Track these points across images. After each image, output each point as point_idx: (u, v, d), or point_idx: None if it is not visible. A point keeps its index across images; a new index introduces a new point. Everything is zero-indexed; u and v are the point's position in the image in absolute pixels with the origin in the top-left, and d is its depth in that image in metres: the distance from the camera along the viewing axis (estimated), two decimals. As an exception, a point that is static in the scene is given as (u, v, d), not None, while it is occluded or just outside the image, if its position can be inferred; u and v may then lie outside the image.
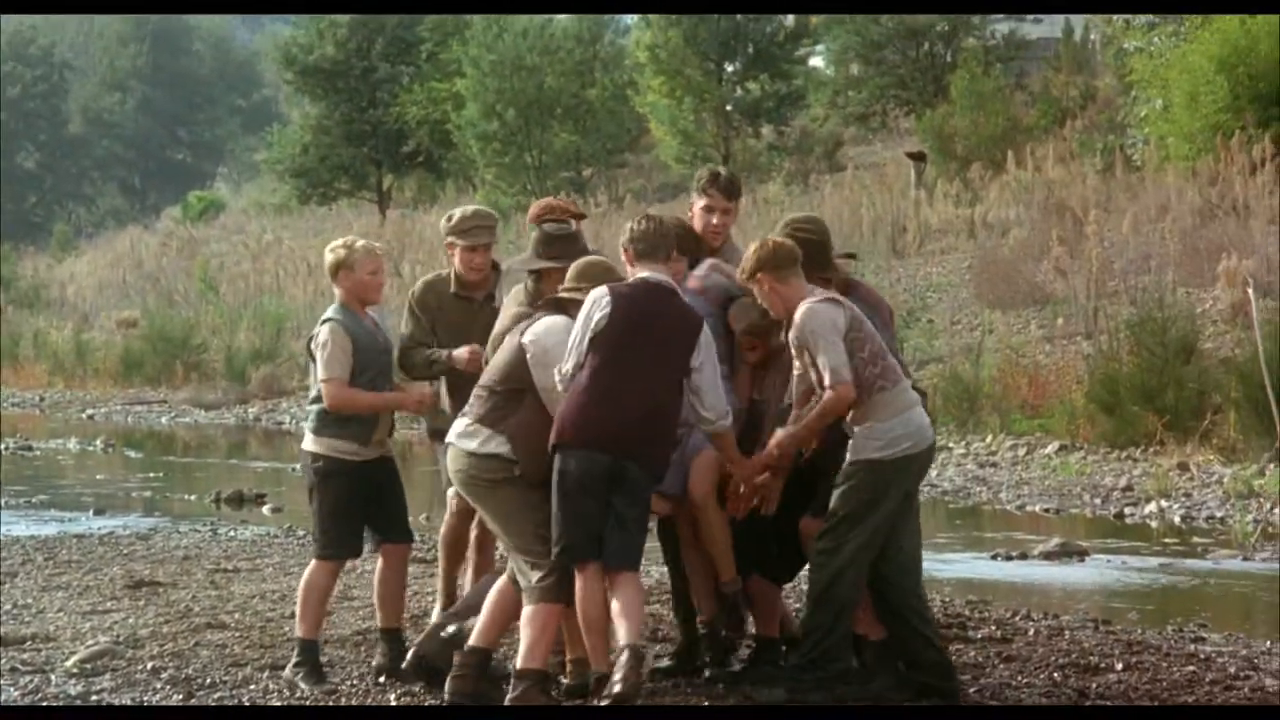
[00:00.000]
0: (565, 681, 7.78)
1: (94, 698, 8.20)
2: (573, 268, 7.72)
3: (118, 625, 10.03)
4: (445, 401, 8.71)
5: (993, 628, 9.97)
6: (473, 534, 8.66)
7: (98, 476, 21.44)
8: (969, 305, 26.83)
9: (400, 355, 8.74)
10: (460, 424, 7.71)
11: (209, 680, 8.44)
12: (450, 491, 8.55)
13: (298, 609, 8.45)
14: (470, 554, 8.73)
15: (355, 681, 8.32)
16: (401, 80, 51.79)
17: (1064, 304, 24.66)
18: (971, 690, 8.10)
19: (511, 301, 8.06)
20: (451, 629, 7.94)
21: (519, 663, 7.48)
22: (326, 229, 48.89)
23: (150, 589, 11.54)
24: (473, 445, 7.61)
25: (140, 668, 8.73)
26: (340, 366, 8.22)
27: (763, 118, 45.55)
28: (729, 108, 45.40)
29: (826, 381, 7.47)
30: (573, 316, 7.58)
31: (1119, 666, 8.72)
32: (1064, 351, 22.71)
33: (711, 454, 7.77)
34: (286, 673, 8.38)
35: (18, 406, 34.93)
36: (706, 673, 8.09)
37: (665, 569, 8.70)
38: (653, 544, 7.72)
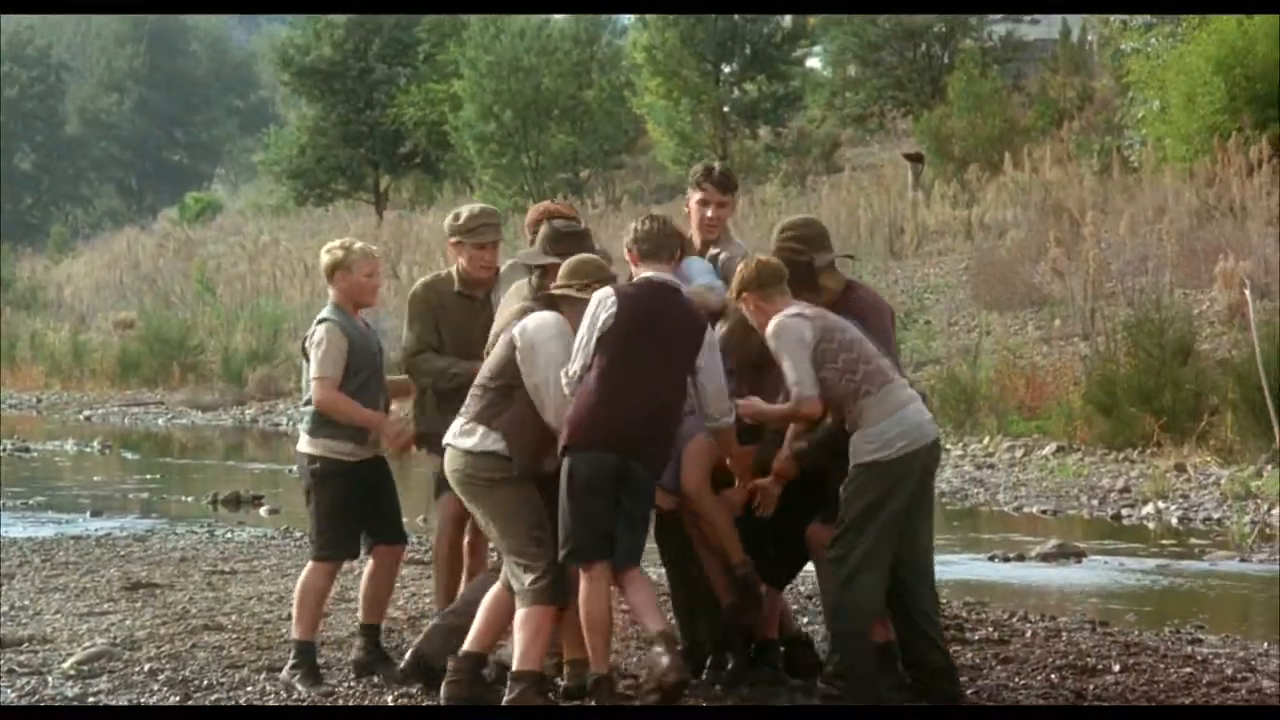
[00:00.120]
0: (562, 683, 7.77)
1: (91, 699, 8.20)
2: (565, 265, 7.74)
3: (115, 627, 10.03)
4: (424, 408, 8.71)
5: (990, 629, 9.97)
6: (465, 539, 8.65)
7: (95, 478, 21.43)
8: (966, 306, 26.83)
9: (412, 359, 8.60)
10: (457, 424, 7.72)
11: (206, 682, 8.44)
12: (441, 500, 8.52)
13: (294, 611, 8.45)
14: (464, 558, 8.72)
15: (352, 683, 8.32)
16: (398, 81, 51.80)
17: (1061, 305, 24.66)
18: (969, 692, 8.09)
19: (513, 297, 8.04)
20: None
21: (515, 665, 7.49)
22: (323, 230, 48.87)
23: (147, 590, 11.53)
24: (469, 444, 7.62)
25: (137, 669, 8.72)
26: (333, 366, 8.24)
27: (760, 119, 45.56)
28: (726, 109, 45.40)
29: (792, 392, 7.56)
30: (563, 313, 7.60)
31: (1116, 668, 8.72)
32: (1061, 353, 22.71)
33: (701, 442, 7.78)
34: (283, 674, 8.38)
35: (15, 408, 34.90)
36: (729, 666, 8.09)
37: (664, 570, 8.69)
38: (651, 545, 7.71)
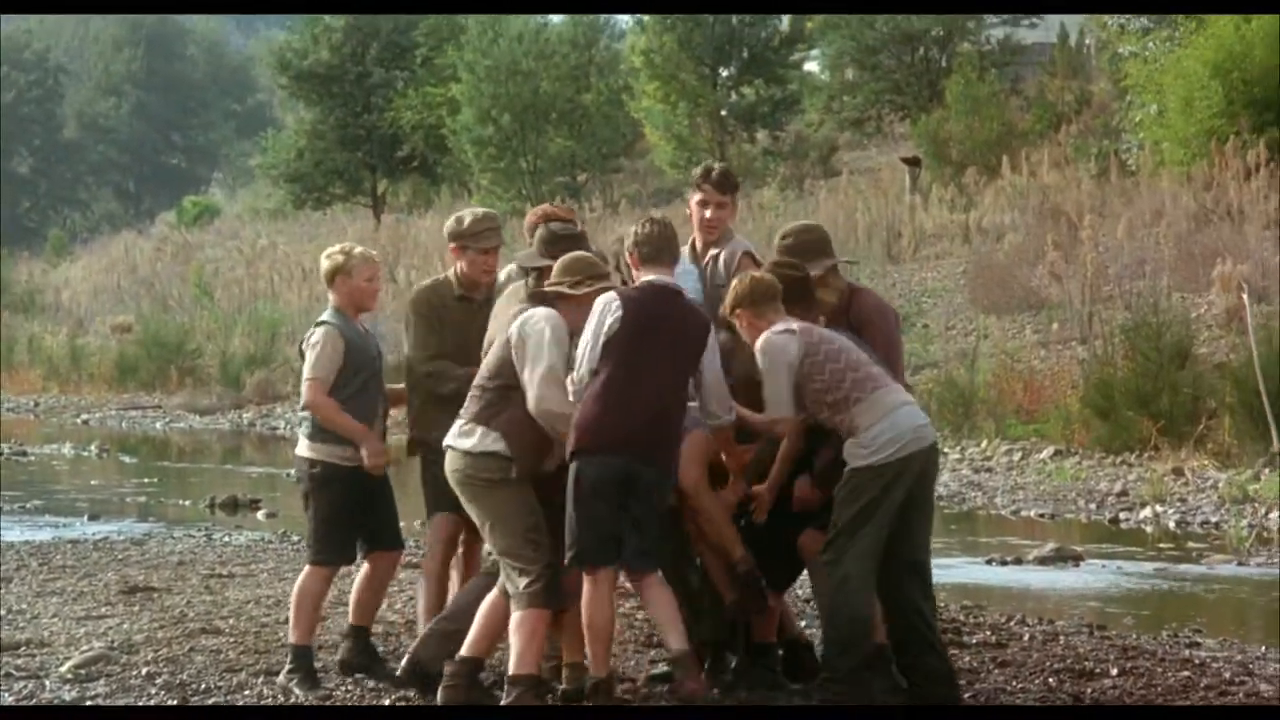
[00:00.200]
0: (560, 687, 7.77)
1: (89, 703, 8.20)
2: (558, 263, 7.74)
3: (112, 631, 10.02)
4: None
5: (987, 633, 9.97)
6: (458, 551, 8.63)
7: (92, 482, 21.42)
8: (964, 310, 26.84)
9: (428, 367, 8.47)
10: (456, 425, 7.73)
11: (204, 686, 8.44)
12: (434, 520, 8.49)
13: (291, 615, 8.46)
14: (458, 564, 8.70)
15: (350, 687, 8.32)
16: (396, 85, 51.77)
17: (1059, 309, 24.67)
18: (967, 695, 8.10)
19: (509, 300, 8.02)
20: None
21: (511, 669, 7.50)
22: (321, 234, 48.87)
23: (145, 594, 11.53)
24: (469, 444, 7.62)
25: (135, 673, 8.72)
26: (326, 369, 8.26)
27: (758, 123, 45.54)
28: (724, 113, 45.37)
29: (766, 409, 7.69)
30: (559, 311, 7.61)
31: (1114, 672, 8.72)
32: (1059, 356, 22.72)
33: (699, 437, 7.79)
34: (280, 678, 8.39)
35: (12, 412, 34.88)
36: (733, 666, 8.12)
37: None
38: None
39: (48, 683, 8.59)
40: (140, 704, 8.14)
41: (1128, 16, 34.09)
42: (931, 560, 7.95)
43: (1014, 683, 8.47)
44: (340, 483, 8.30)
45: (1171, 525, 15.59)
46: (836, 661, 7.64)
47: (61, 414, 34.32)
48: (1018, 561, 13.76)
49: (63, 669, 8.82)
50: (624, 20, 51.51)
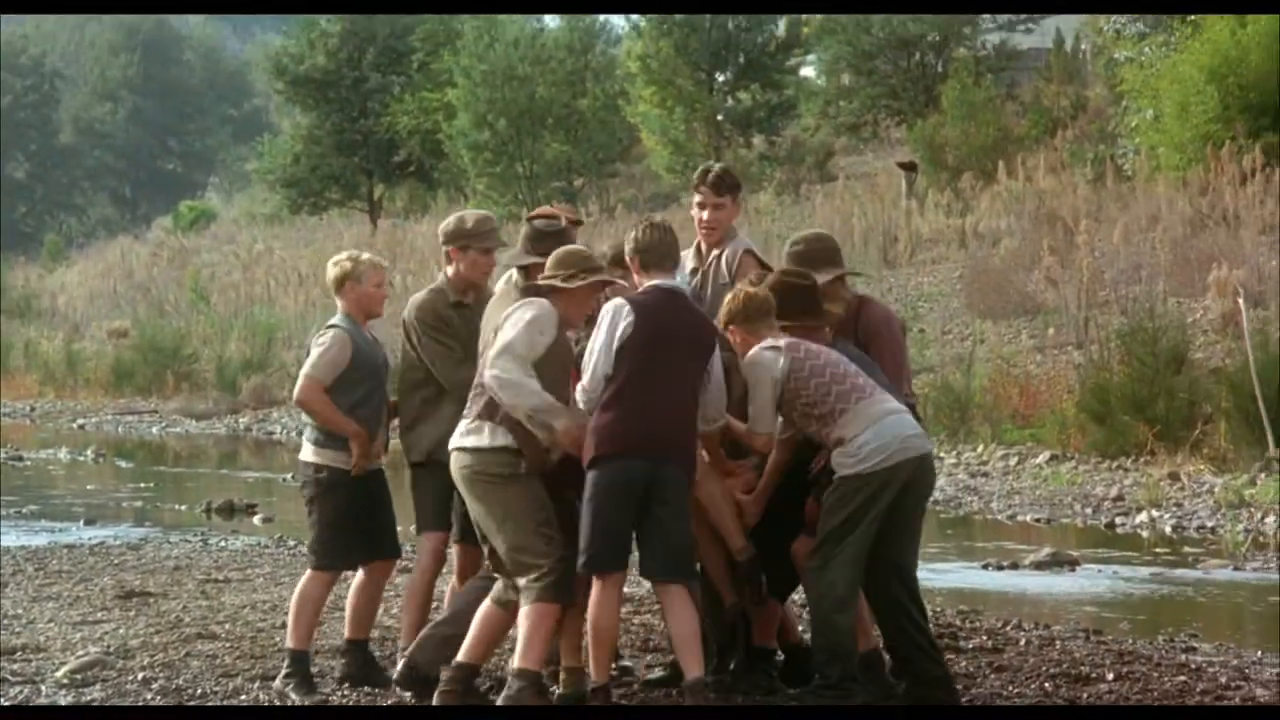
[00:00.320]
0: (558, 691, 7.77)
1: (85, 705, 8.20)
2: (551, 256, 7.74)
3: (108, 636, 10.02)
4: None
5: (984, 638, 9.97)
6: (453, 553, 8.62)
7: (88, 486, 21.41)
8: (960, 315, 26.85)
9: (453, 377, 8.29)
10: (462, 425, 7.71)
11: (199, 691, 8.43)
12: (425, 537, 8.43)
13: (290, 619, 8.45)
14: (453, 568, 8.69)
15: (346, 691, 8.32)
16: (393, 90, 51.77)
17: (1055, 314, 24.69)
18: (962, 700, 8.10)
19: (502, 299, 7.97)
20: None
21: (515, 662, 7.51)
22: (317, 239, 48.95)
23: (141, 599, 11.52)
24: (477, 441, 7.59)
25: (131, 678, 8.72)
26: (326, 370, 8.28)
27: (754, 128, 45.57)
28: (720, 117, 45.42)
29: (750, 422, 7.76)
30: (552, 303, 7.60)
31: (1110, 677, 8.72)
32: (1055, 361, 22.73)
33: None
34: (277, 683, 8.39)
35: (8, 416, 34.86)
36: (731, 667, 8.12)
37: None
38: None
39: (43, 687, 8.59)
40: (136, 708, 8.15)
41: (1124, 22, 34.15)
42: (924, 566, 8.00)
43: (1010, 687, 8.47)
44: (345, 488, 8.31)
45: (1167, 530, 15.60)
46: (826, 669, 7.66)
47: (58, 419, 34.31)
48: (1014, 566, 13.76)
49: (58, 674, 8.82)
50: (620, 25, 51.57)
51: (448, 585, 8.77)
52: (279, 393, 32.80)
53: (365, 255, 8.63)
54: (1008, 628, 10.45)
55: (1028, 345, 24.01)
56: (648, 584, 9.93)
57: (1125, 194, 30.47)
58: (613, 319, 7.51)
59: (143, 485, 21.66)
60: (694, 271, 8.37)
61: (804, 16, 46.02)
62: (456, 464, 7.68)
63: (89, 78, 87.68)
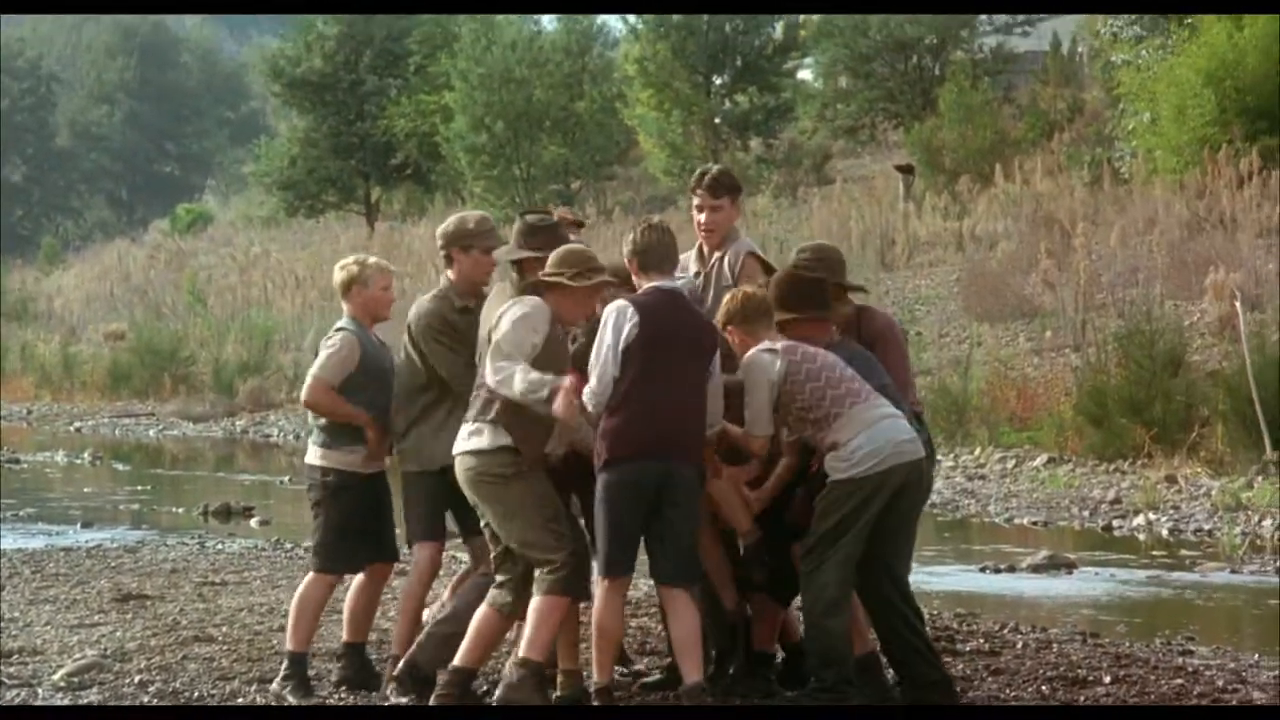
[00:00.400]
0: (556, 694, 7.77)
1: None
2: (555, 254, 7.73)
3: (105, 638, 10.02)
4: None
5: (981, 640, 9.97)
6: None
7: (85, 489, 21.40)
8: (957, 318, 26.85)
9: (464, 384, 8.13)
10: (464, 429, 7.70)
11: (196, 694, 8.44)
12: (419, 547, 8.35)
13: (290, 621, 8.45)
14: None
15: (343, 695, 8.32)
16: (389, 93, 51.75)
17: (1052, 316, 24.68)
18: (960, 703, 8.10)
19: (497, 299, 7.95)
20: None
21: (520, 651, 7.54)
22: (314, 242, 48.94)
23: (138, 602, 11.52)
24: (478, 444, 7.60)
25: (128, 681, 8.72)
26: (334, 371, 8.30)
27: (751, 130, 45.58)
28: (717, 120, 45.44)
29: (746, 425, 7.76)
30: (551, 300, 7.61)
31: (1107, 679, 8.72)
32: (1052, 364, 22.72)
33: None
34: (274, 686, 8.39)
35: (5, 419, 34.86)
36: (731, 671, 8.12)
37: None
38: (643, 557, 7.71)
39: (40, 690, 8.59)
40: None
41: (1121, 25, 34.16)
42: (921, 569, 8.02)
43: (1007, 690, 8.48)
44: (352, 491, 8.31)
45: (1164, 533, 15.59)
46: (821, 672, 7.66)
47: (54, 422, 34.30)
48: (1011, 569, 13.76)
49: (55, 677, 8.82)
50: (617, 28, 51.61)
51: (445, 588, 8.77)
52: (276, 395, 32.80)
53: (372, 259, 8.63)
54: (1005, 630, 10.45)
55: (1025, 348, 24.00)
56: (645, 587, 9.98)
57: (1122, 197, 30.47)
58: (617, 320, 7.51)
59: (139, 488, 21.65)
60: (697, 274, 8.37)
61: (801, 19, 46.07)
62: (461, 468, 7.68)
63: (85, 80, 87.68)
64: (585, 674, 7.81)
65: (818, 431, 7.67)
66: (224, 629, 10.31)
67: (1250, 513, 15.80)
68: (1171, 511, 16.29)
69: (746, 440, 7.80)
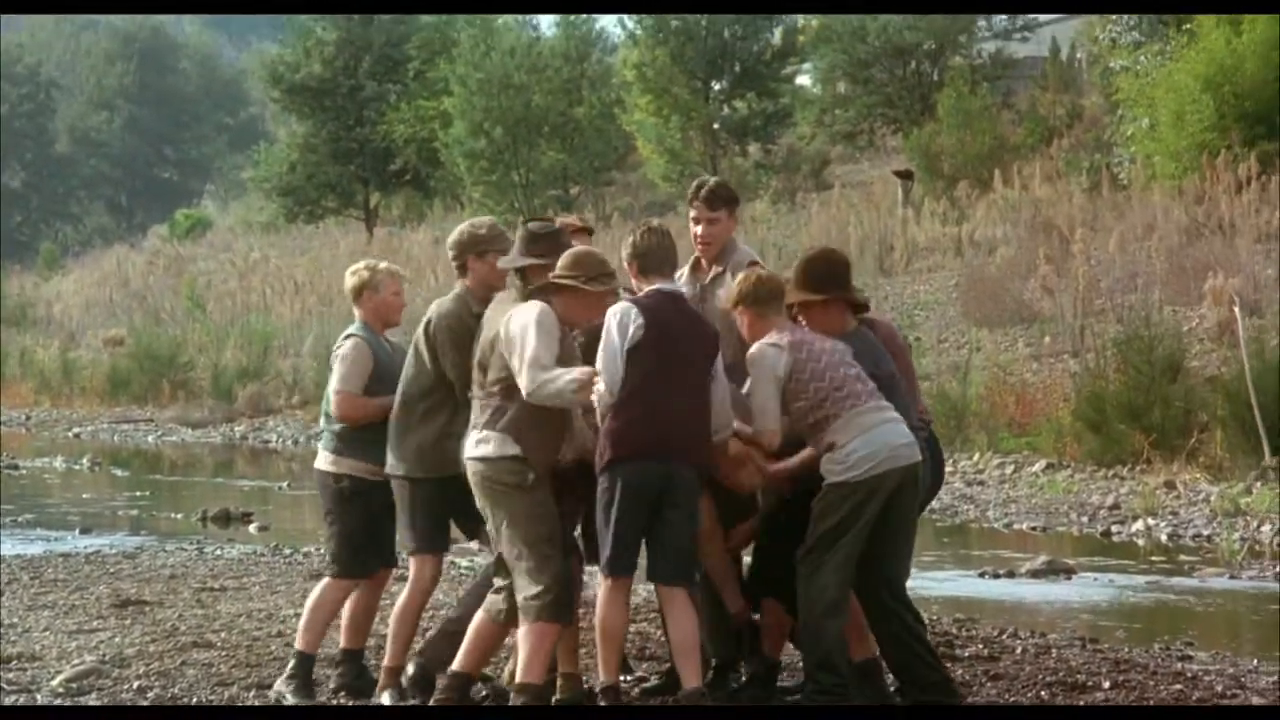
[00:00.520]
0: (555, 697, 7.77)
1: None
2: (567, 256, 7.70)
3: (104, 644, 10.02)
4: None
5: (980, 646, 9.97)
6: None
7: (84, 495, 21.40)
8: (956, 323, 26.85)
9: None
10: (472, 436, 7.70)
11: (195, 699, 8.45)
12: (418, 560, 8.27)
13: (302, 623, 8.45)
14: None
15: (343, 698, 8.32)
16: (389, 98, 51.79)
17: (1051, 322, 24.69)
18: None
19: (501, 304, 7.92)
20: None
21: (518, 677, 7.53)
22: (314, 247, 48.93)
23: (137, 608, 11.52)
24: (486, 451, 7.59)
25: (126, 687, 8.72)
26: (355, 381, 8.31)
27: (750, 136, 45.60)
28: (716, 126, 45.44)
29: (753, 420, 7.76)
30: (561, 304, 7.59)
31: (1106, 685, 8.72)
32: (1051, 369, 22.73)
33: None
34: (277, 685, 8.40)
35: (4, 425, 34.83)
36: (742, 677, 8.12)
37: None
38: (643, 561, 7.72)
39: (39, 696, 8.59)
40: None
41: (1119, 30, 34.17)
42: (920, 574, 8.02)
43: (1006, 696, 8.48)
44: (365, 497, 8.32)
45: (1163, 538, 15.60)
46: (819, 676, 7.66)
47: (53, 427, 34.29)
48: (1010, 574, 13.76)
49: (54, 683, 8.82)
50: (616, 33, 51.58)
51: (444, 595, 8.78)
52: (275, 401, 32.80)
53: (383, 264, 8.63)
54: (1004, 636, 10.45)
55: (1024, 353, 24.01)
56: (644, 592, 9.98)
57: (1121, 202, 30.47)
58: (621, 323, 7.52)
59: (138, 494, 21.65)
60: (692, 284, 8.32)
61: (800, 24, 46.08)
62: (471, 470, 7.69)
63: (85, 86, 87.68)
64: (585, 678, 7.82)
65: (816, 432, 7.68)
66: (223, 635, 10.31)
67: (1249, 518, 15.81)
68: (1170, 517, 16.29)
69: (754, 436, 7.79)
